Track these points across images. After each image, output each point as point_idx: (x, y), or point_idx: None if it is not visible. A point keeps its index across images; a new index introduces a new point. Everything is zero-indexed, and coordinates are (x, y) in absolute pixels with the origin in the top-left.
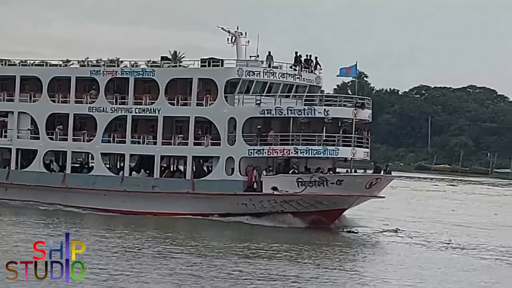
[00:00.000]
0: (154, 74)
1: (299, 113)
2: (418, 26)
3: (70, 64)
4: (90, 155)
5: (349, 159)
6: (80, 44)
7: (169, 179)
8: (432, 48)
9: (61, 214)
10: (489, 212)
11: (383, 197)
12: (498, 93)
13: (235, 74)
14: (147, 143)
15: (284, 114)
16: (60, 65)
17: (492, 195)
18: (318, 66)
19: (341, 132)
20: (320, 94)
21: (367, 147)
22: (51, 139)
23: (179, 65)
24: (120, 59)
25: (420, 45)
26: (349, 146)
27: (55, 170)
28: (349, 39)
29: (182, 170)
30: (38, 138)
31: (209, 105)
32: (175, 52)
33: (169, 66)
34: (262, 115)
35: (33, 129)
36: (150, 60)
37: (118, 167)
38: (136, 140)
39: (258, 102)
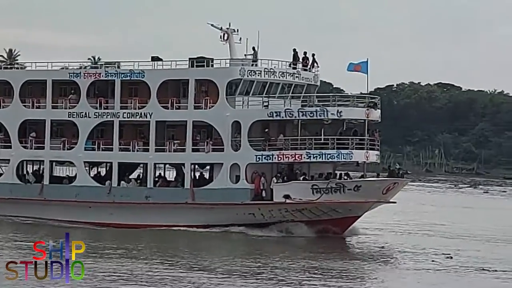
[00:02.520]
0: (144, 75)
1: (311, 115)
2: None
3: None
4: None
5: (362, 162)
6: None
7: (165, 188)
8: None
9: (39, 228)
10: None
11: (395, 202)
12: None
13: (237, 74)
14: (137, 150)
15: (295, 116)
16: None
17: None
18: (315, 64)
19: (351, 134)
20: (333, 94)
21: (378, 149)
22: (25, 147)
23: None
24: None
25: None
26: (362, 149)
27: (31, 181)
28: None
29: (172, 179)
30: (10, 147)
31: (209, 108)
32: (10, 50)
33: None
34: (271, 118)
35: (4, 137)
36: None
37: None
38: (125, 147)
39: (265, 104)
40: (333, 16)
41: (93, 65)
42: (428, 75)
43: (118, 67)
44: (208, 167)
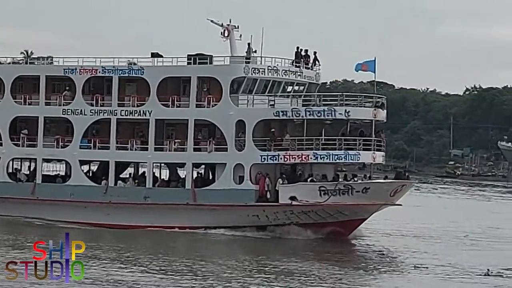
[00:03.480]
0: (143, 72)
1: (319, 114)
2: None
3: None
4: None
5: (369, 164)
6: None
7: (165, 188)
8: None
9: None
10: None
11: (401, 205)
12: None
13: (241, 72)
14: (136, 149)
15: (302, 116)
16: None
17: None
18: (317, 62)
19: (358, 134)
20: (341, 93)
21: (384, 150)
22: (16, 145)
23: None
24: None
25: None
26: (369, 150)
27: (22, 180)
28: None
29: (166, 178)
30: (1, 145)
31: (212, 106)
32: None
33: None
34: (277, 117)
35: None
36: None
37: (98, 175)
38: (122, 145)
39: (272, 103)
40: None
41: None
42: (361, 73)
43: (51, 62)
44: (202, 167)
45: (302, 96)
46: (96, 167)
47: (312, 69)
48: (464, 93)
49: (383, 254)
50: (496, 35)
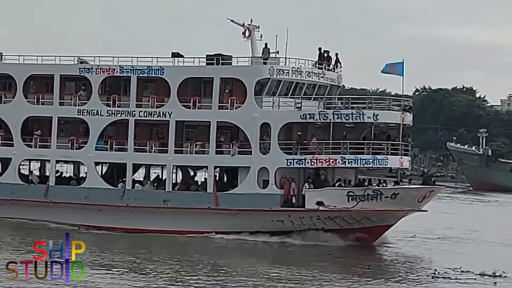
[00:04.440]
0: (163, 72)
1: (347, 118)
2: None
3: None
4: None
5: (397, 168)
6: None
7: (185, 192)
8: None
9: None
10: None
11: (427, 211)
12: None
13: (266, 74)
14: (155, 151)
15: (330, 119)
16: None
17: None
18: (338, 64)
19: (385, 139)
20: (368, 96)
21: (409, 155)
22: (29, 146)
23: None
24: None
25: None
26: (397, 154)
27: (35, 182)
28: None
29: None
30: (12, 145)
31: (235, 108)
32: None
33: None
34: (304, 120)
35: (5, 135)
36: None
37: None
38: (140, 147)
39: (298, 105)
40: None
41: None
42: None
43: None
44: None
45: (324, 98)
46: (106, 169)
47: (334, 71)
48: (414, 93)
49: None
50: (445, 36)
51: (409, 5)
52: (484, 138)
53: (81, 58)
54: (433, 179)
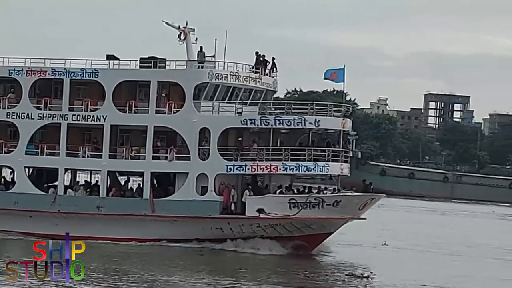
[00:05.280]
0: (98, 75)
1: (289, 123)
2: None
3: None
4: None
5: (337, 176)
6: None
7: (120, 198)
8: None
9: None
10: None
11: (365, 218)
12: None
13: (205, 78)
14: (88, 156)
15: (271, 125)
16: None
17: None
18: (274, 69)
19: (325, 145)
20: (311, 102)
21: (349, 162)
22: None
23: None
24: None
25: None
26: (337, 161)
27: None
28: None
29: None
30: None
31: (173, 112)
32: None
33: None
34: (244, 126)
35: None
36: None
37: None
38: (73, 152)
39: (239, 111)
40: None
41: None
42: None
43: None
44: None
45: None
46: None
47: (270, 76)
48: (285, 96)
49: None
50: (315, 39)
51: (279, 7)
52: (354, 140)
53: None
54: (372, 186)
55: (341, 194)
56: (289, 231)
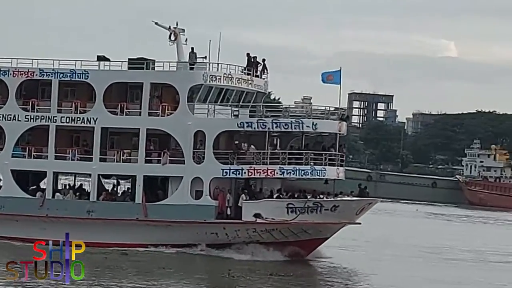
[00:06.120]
0: (88, 76)
1: (286, 126)
2: None
3: None
4: None
5: (332, 180)
6: None
7: (111, 202)
8: None
9: None
10: None
11: (360, 223)
12: None
13: (200, 79)
14: (77, 159)
15: (268, 128)
16: None
17: None
18: (265, 70)
19: (321, 149)
20: (308, 104)
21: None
22: None
23: None
24: None
25: None
26: (334, 165)
27: None
28: None
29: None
30: None
31: (167, 115)
32: None
33: None
34: (241, 128)
35: None
36: None
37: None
38: (62, 155)
39: (235, 113)
40: None
41: None
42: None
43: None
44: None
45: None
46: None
47: (261, 77)
48: None
49: None
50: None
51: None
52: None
53: None
54: (366, 191)
55: (339, 198)
56: (285, 236)
